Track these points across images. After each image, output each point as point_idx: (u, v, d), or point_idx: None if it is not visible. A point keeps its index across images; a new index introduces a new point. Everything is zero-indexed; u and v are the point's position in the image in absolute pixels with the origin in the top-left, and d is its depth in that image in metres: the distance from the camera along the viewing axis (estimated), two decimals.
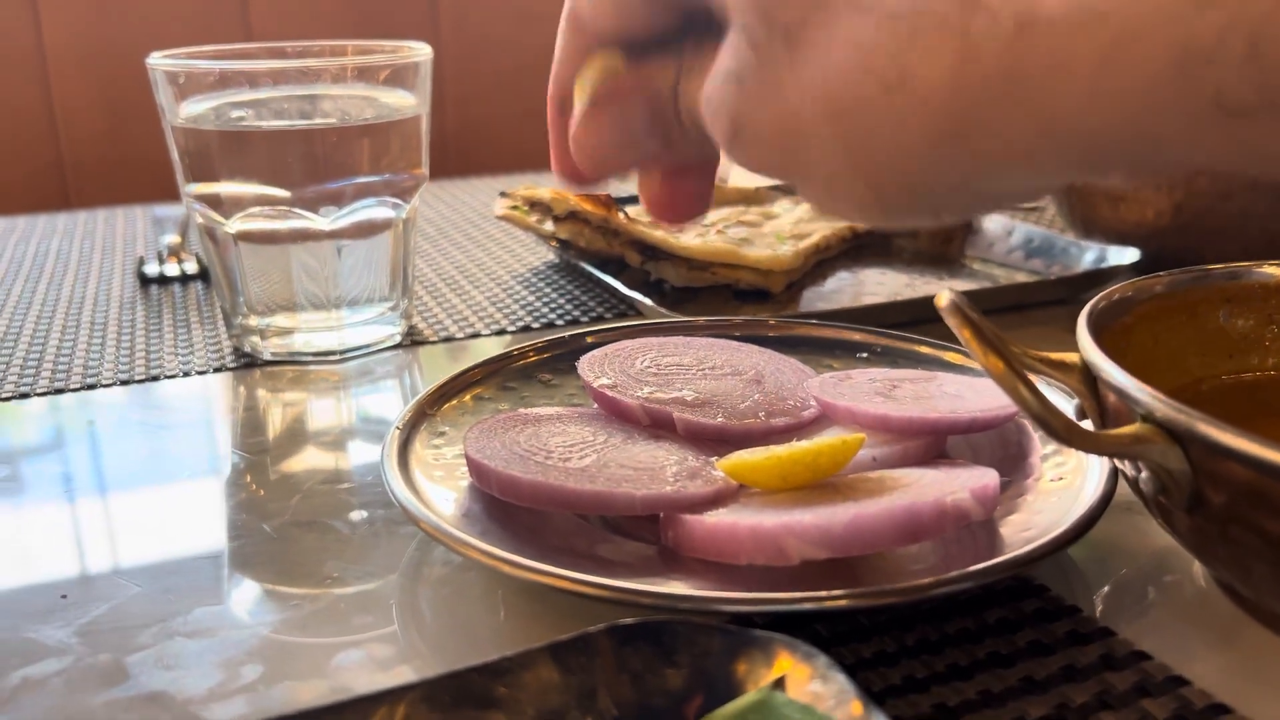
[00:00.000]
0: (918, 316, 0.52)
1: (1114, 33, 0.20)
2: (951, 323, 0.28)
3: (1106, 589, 0.32)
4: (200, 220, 0.51)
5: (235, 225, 0.49)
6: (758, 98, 0.25)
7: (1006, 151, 0.22)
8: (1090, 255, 0.60)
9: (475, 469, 0.33)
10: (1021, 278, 0.62)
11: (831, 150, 0.24)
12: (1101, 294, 0.35)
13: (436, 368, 0.52)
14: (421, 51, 0.51)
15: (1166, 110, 0.20)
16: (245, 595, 0.33)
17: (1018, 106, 0.21)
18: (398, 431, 0.36)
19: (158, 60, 0.48)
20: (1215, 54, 0.19)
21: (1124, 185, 0.26)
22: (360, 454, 0.43)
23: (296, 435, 0.44)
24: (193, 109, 0.48)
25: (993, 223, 0.66)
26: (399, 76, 0.50)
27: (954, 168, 0.23)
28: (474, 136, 1.42)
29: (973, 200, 0.25)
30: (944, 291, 0.28)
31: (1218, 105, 0.19)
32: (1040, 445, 0.36)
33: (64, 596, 0.32)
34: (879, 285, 0.62)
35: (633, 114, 0.29)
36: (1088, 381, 0.31)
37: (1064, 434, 0.27)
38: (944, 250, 0.67)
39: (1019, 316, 0.55)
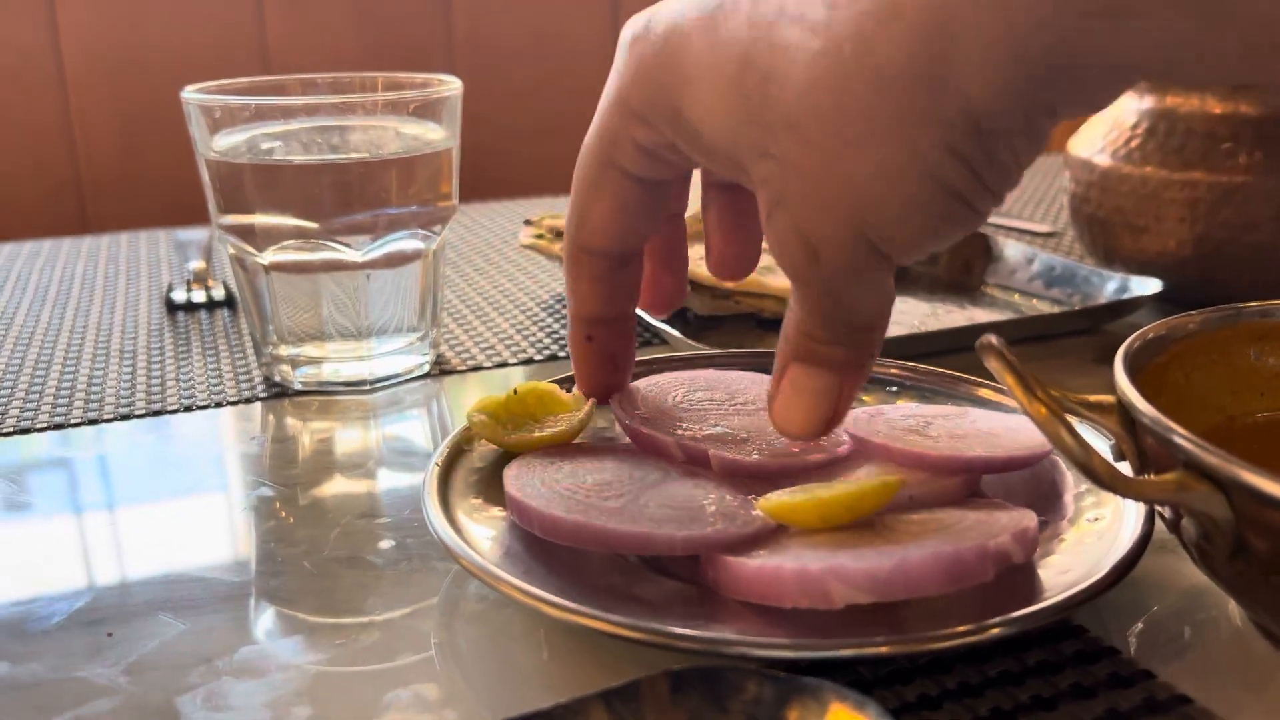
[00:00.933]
0: (944, 348, 0.52)
1: None
2: (993, 366, 0.29)
3: (1141, 627, 0.32)
4: (232, 250, 0.51)
5: (268, 256, 0.50)
6: (802, 186, 0.28)
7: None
8: (1112, 285, 0.60)
9: (517, 508, 0.34)
10: (1042, 306, 0.62)
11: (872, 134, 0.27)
12: (1136, 334, 0.35)
13: (465, 397, 0.52)
14: (451, 85, 0.51)
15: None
16: (288, 632, 0.33)
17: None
18: (436, 468, 0.37)
19: (192, 94, 0.49)
20: None
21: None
22: (393, 486, 0.43)
23: (329, 466, 0.44)
24: (225, 141, 0.49)
25: (1013, 251, 0.67)
26: (429, 109, 0.50)
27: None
28: (490, 155, 1.43)
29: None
30: (988, 336, 0.29)
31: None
32: (1074, 484, 0.37)
33: (109, 634, 0.33)
34: (900, 314, 0.62)
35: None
36: (1126, 424, 0.31)
37: (1108, 481, 0.27)
38: (963, 278, 0.68)
39: (1042, 346, 0.56)
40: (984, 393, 0.43)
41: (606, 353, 0.38)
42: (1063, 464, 0.38)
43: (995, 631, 0.28)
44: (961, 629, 0.28)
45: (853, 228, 0.28)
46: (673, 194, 0.37)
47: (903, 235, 0.28)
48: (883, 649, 0.27)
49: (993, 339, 0.29)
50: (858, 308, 0.31)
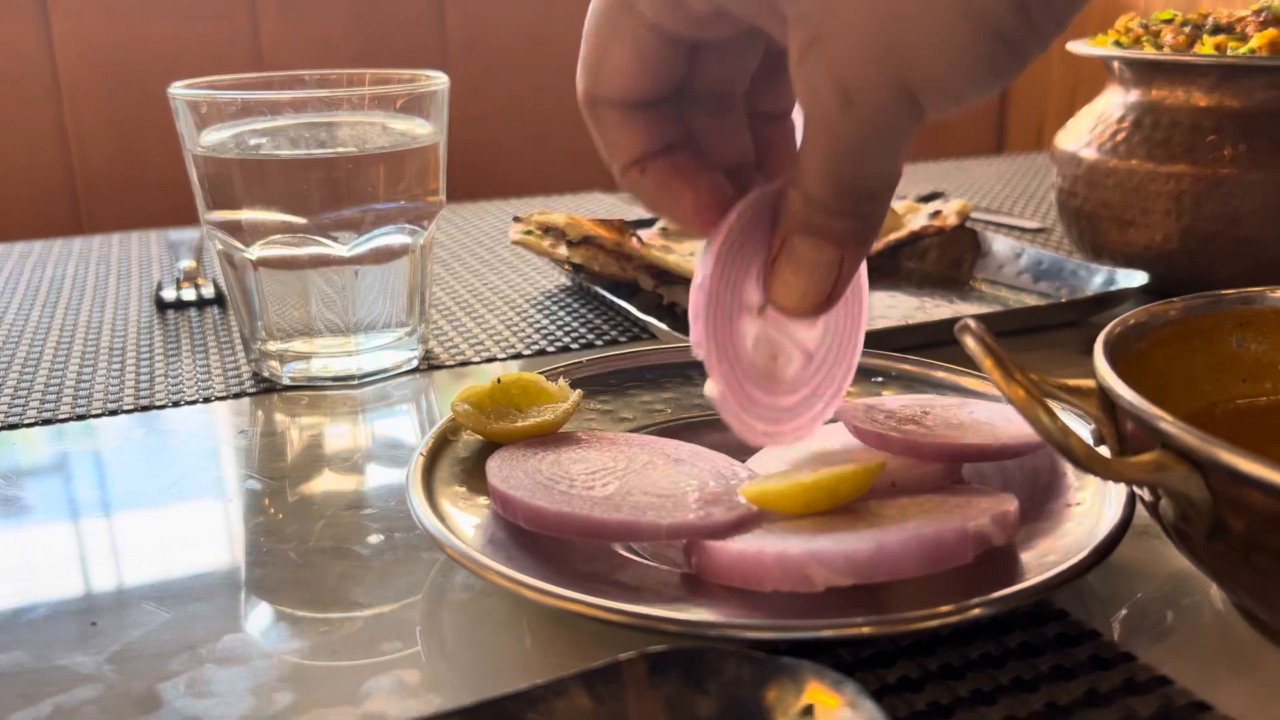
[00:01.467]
0: (931, 340, 0.52)
1: None
2: (972, 351, 0.29)
3: (1124, 612, 0.33)
4: (219, 246, 0.51)
5: (255, 252, 0.50)
6: (841, 25, 0.26)
7: None
8: (1099, 278, 0.60)
9: (500, 499, 0.34)
10: (1030, 300, 0.62)
11: None
12: (1117, 320, 0.35)
13: (453, 392, 0.52)
14: (438, 80, 0.51)
15: None
16: (272, 622, 0.33)
17: None
18: (421, 458, 0.37)
19: (179, 90, 0.49)
20: None
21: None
22: (380, 478, 0.43)
23: (317, 460, 0.44)
24: (213, 137, 0.49)
25: (1002, 245, 0.67)
26: (416, 104, 0.50)
27: None
28: (483, 159, 1.43)
29: None
30: (966, 320, 0.29)
31: None
32: (1056, 470, 0.37)
33: (94, 624, 0.33)
34: (889, 308, 0.62)
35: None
36: (1105, 408, 0.32)
37: (1086, 462, 0.27)
38: (953, 273, 0.68)
39: (1030, 339, 0.56)
40: (970, 382, 0.43)
41: (674, 170, 0.32)
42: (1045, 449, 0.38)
43: (975, 612, 0.28)
44: (941, 609, 0.28)
45: (892, 72, 0.26)
46: (731, 125, 0.34)
47: (945, 81, 0.26)
48: (863, 629, 0.28)
49: (970, 322, 0.29)
50: (872, 171, 0.28)
